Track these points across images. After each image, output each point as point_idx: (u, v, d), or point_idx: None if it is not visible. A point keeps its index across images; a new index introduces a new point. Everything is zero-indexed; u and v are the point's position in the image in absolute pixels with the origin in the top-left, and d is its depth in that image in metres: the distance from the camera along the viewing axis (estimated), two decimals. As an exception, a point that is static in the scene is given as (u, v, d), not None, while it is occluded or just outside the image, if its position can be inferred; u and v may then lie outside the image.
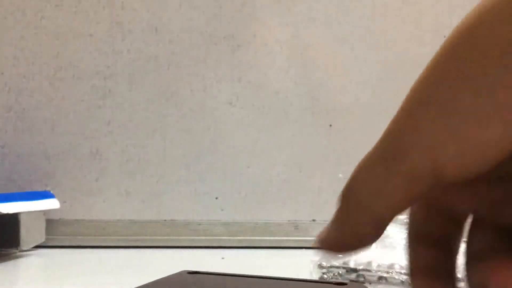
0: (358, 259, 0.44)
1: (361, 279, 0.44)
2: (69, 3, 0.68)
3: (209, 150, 0.68)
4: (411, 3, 0.68)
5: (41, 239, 0.63)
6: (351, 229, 0.19)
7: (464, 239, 0.21)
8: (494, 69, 0.15)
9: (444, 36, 0.16)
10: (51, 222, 0.65)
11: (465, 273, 0.20)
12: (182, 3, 0.68)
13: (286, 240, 0.66)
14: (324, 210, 0.67)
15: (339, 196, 0.19)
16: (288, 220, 0.67)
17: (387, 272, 0.43)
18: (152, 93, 0.68)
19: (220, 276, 0.37)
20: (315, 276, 0.44)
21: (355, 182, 0.19)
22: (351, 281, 0.43)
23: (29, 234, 0.60)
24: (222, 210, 0.67)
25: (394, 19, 0.68)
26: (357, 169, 0.18)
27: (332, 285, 0.35)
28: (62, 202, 0.65)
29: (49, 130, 0.68)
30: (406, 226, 0.23)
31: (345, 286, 0.35)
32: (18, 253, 0.59)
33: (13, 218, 0.58)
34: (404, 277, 0.42)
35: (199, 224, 0.67)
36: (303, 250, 0.65)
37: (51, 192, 0.64)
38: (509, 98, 0.15)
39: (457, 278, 0.22)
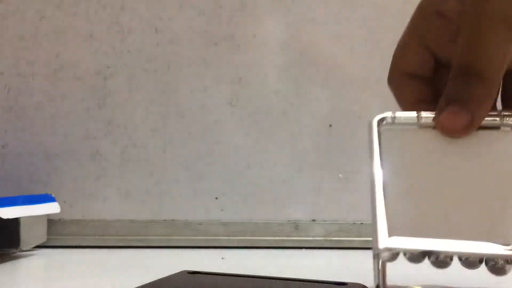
0: None
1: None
2: (69, 3, 0.68)
3: (209, 150, 0.68)
4: (412, 3, 0.68)
5: (42, 239, 0.62)
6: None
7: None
8: None
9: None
10: (51, 222, 0.65)
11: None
12: (182, 3, 0.68)
13: (286, 240, 0.66)
14: (324, 210, 0.67)
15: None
16: (288, 220, 0.67)
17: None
18: (152, 93, 0.68)
19: (220, 276, 0.37)
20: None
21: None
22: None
23: (29, 234, 0.60)
24: (222, 210, 0.67)
25: (395, 19, 0.68)
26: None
27: (332, 285, 0.35)
28: (62, 202, 0.65)
29: (49, 130, 0.68)
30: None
31: (345, 286, 0.35)
32: (18, 253, 0.59)
33: (14, 219, 0.58)
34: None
35: (199, 224, 0.67)
36: (303, 250, 0.65)
37: (52, 195, 0.64)
38: None
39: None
